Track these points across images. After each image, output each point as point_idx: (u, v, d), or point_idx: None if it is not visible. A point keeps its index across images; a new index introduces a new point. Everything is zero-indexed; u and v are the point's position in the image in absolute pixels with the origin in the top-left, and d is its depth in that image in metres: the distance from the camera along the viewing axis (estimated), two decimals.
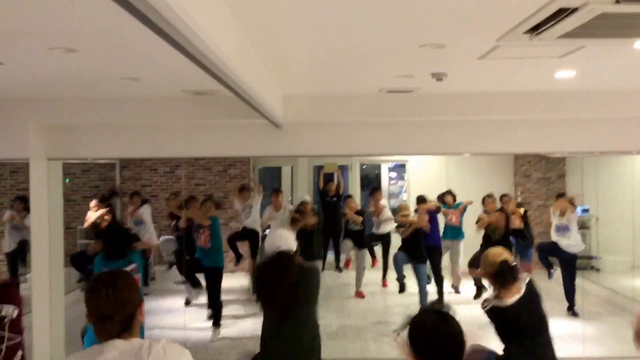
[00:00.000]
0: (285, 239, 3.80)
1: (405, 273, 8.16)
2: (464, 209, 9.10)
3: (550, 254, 8.34)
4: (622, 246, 9.05)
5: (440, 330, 2.35)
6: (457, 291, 9.21)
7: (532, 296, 3.96)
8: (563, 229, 8.20)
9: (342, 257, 10.14)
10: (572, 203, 8.28)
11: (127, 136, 6.52)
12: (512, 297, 3.85)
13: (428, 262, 8.25)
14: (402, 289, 8.21)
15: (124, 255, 6.53)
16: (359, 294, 9.14)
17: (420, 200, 9.01)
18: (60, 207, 6.61)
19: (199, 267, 7.84)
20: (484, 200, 8.62)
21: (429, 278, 8.35)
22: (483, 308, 3.99)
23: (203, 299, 8.11)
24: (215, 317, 7.67)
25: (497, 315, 3.91)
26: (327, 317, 7.85)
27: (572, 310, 7.93)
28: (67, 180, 8.57)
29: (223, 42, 2.83)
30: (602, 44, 3.92)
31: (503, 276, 3.87)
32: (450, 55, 4.30)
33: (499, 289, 3.91)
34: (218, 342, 7.38)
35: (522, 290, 3.89)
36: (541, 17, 3.11)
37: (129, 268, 5.94)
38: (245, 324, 7.95)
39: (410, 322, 2.42)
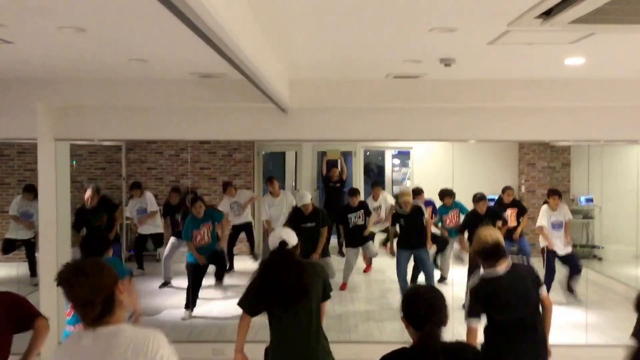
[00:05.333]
0: (286, 234, 3.93)
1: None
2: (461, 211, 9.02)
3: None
4: (625, 236, 9.06)
5: (427, 295, 2.76)
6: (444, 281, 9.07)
7: (521, 270, 4.08)
8: (558, 225, 8.16)
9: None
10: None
11: (134, 118, 6.54)
12: (500, 268, 3.93)
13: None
14: None
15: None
16: (344, 286, 8.91)
17: (417, 192, 9.00)
18: (67, 188, 6.64)
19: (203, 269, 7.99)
20: (503, 192, 8.66)
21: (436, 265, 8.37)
22: (469, 284, 4.06)
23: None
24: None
25: (483, 287, 3.94)
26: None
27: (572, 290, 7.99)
28: (74, 162, 8.58)
29: (235, 23, 2.83)
30: (613, 31, 3.90)
31: (491, 252, 3.95)
32: (460, 40, 4.28)
33: (487, 265, 3.98)
34: (190, 320, 7.57)
35: (510, 265, 3.97)
36: (554, 1, 3.09)
37: None
38: (216, 306, 8.15)
39: (405, 294, 2.84)
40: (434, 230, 8.78)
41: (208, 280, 8.38)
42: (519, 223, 8.65)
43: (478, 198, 8.13)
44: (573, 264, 8.10)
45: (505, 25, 3.77)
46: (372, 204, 9.30)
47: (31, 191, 7.92)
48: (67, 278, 2.32)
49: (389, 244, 8.56)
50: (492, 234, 4.07)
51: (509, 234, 8.21)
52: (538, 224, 8.26)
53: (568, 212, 8.25)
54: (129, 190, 9.65)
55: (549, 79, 6.04)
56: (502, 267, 3.93)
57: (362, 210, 8.69)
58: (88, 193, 8.79)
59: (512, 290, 3.92)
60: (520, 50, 4.64)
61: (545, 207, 8.31)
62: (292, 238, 3.91)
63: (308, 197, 7.72)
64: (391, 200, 9.65)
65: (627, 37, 4.19)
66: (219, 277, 8.77)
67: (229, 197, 9.32)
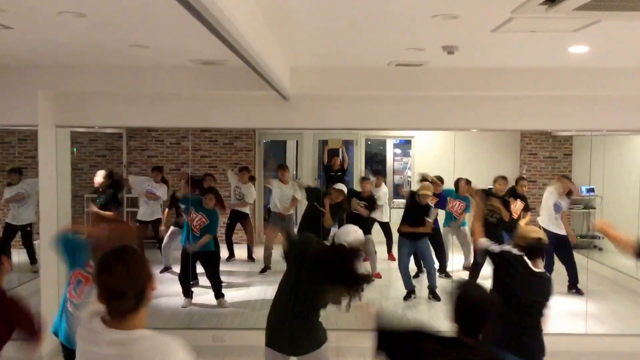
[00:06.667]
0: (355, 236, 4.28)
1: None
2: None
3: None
4: (627, 226, 9.03)
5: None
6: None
7: (544, 280, 4.18)
8: (558, 208, 8.28)
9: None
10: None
11: (135, 105, 6.52)
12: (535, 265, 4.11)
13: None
14: (408, 296, 8.01)
15: None
16: (377, 275, 8.86)
17: (423, 179, 8.96)
18: (68, 175, 6.63)
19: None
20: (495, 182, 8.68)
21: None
22: (496, 250, 4.23)
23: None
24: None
25: (508, 259, 4.11)
26: None
27: (575, 288, 7.97)
28: (75, 149, 8.55)
29: (236, 9, 2.82)
30: (618, 18, 3.86)
31: (532, 250, 4.12)
32: (463, 27, 4.25)
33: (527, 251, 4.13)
34: (190, 308, 7.60)
35: (539, 269, 4.13)
36: None
37: None
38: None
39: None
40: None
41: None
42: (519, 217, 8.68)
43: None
44: (564, 249, 8.15)
45: (509, 12, 3.74)
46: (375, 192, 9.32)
47: (16, 173, 8.08)
48: (108, 264, 2.26)
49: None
50: (536, 230, 4.32)
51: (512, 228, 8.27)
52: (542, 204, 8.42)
53: (568, 203, 8.32)
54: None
55: (552, 67, 6.01)
56: (538, 265, 4.13)
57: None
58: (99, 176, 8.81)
59: (529, 286, 4.05)
60: (523, 38, 4.62)
61: (551, 188, 8.49)
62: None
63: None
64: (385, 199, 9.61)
65: (632, 25, 4.16)
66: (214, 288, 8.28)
67: (237, 180, 9.35)
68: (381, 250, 9.56)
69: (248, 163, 10.57)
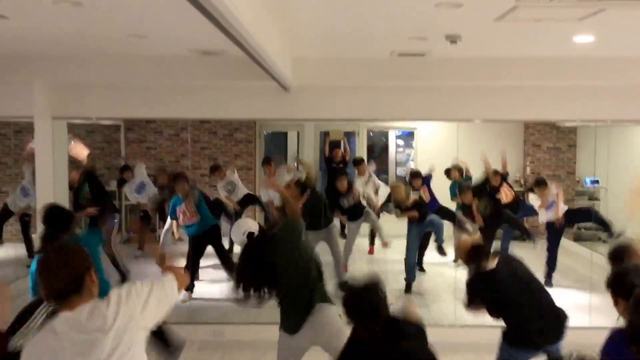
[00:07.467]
0: (246, 225, 4.13)
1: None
2: None
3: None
4: (631, 217, 8.97)
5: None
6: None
7: (508, 259, 4.35)
8: (551, 204, 8.18)
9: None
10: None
11: (133, 96, 6.46)
12: (492, 263, 4.17)
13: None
14: (408, 289, 7.92)
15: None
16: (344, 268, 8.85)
17: (415, 175, 8.94)
18: (65, 167, 6.56)
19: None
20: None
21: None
22: (467, 284, 4.29)
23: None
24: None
25: (484, 283, 4.17)
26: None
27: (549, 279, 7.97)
28: (72, 141, 8.50)
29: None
30: (624, 6, 3.80)
31: (477, 255, 4.21)
32: (466, 16, 4.18)
33: (477, 266, 4.23)
34: (190, 302, 7.49)
35: (497, 258, 4.24)
36: None
37: None
38: (217, 288, 7.96)
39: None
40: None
41: (206, 261, 8.33)
42: (516, 195, 8.67)
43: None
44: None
45: (513, 1, 3.67)
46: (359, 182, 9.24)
47: None
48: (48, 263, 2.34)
49: None
50: (467, 239, 4.37)
51: (514, 209, 8.24)
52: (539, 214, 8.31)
53: (559, 189, 8.30)
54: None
55: (557, 57, 5.93)
56: (492, 261, 4.18)
57: (352, 195, 8.65)
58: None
59: (504, 279, 4.12)
60: (528, 27, 4.55)
61: (531, 196, 8.43)
62: (251, 225, 4.14)
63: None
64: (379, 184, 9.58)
65: (638, 14, 4.08)
66: (223, 261, 8.49)
67: (220, 180, 9.27)
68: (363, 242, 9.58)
69: (249, 155, 10.51)
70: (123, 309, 2.31)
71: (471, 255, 4.24)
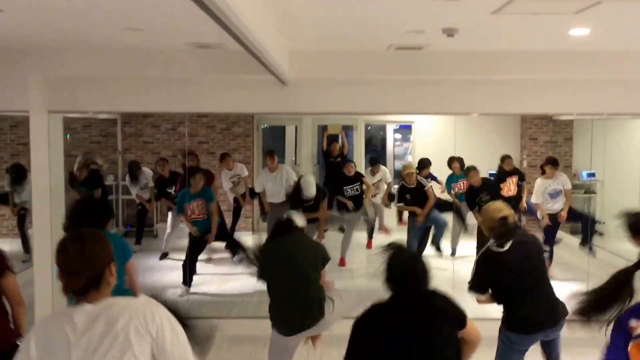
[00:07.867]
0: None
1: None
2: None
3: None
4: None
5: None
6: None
7: (527, 243, 4.15)
8: (556, 194, 8.17)
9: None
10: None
11: (129, 90, 6.40)
12: (507, 244, 4.03)
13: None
14: None
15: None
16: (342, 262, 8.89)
17: (423, 165, 9.00)
18: (61, 161, 6.53)
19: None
20: (503, 160, 8.74)
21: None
22: (476, 261, 4.21)
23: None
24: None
25: (492, 261, 4.05)
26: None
27: None
28: (68, 135, 8.49)
29: None
30: (620, 0, 3.79)
31: (500, 233, 4.05)
32: (463, 9, 4.16)
33: (497, 236, 4.07)
34: (188, 297, 7.53)
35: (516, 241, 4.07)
36: None
37: None
38: (214, 282, 8.15)
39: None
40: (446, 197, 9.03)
41: (204, 256, 8.35)
42: (519, 191, 8.67)
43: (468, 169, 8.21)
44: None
45: None
46: (371, 179, 9.37)
47: None
48: (64, 244, 2.27)
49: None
50: (501, 209, 4.20)
51: (514, 204, 8.22)
52: (533, 200, 8.24)
53: (567, 181, 8.23)
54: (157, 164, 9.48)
55: (553, 50, 5.91)
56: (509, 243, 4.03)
57: (359, 183, 8.71)
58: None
59: (514, 264, 4.01)
60: (524, 21, 4.53)
61: (539, 180, 8.30)
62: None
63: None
64: (390, 179, 9.67)
65: (634, 7, 4.08)
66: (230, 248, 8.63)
67: (227, 170, 9.21)
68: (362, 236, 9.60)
69: (246, 149, 10.51)
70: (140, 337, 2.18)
71: (497, 226, 4.08)
